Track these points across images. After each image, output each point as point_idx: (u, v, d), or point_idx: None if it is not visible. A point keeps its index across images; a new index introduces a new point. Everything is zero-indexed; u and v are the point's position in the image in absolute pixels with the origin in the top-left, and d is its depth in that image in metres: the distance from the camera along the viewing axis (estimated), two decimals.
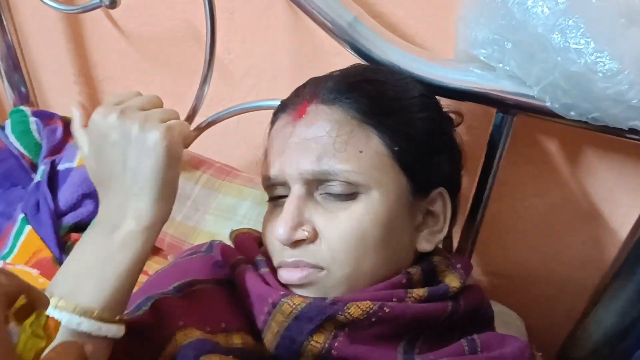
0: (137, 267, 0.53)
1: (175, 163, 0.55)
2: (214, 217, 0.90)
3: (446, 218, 0.64)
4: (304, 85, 0.66)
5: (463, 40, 0.73)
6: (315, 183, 0.59)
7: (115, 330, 0.51)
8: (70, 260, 0.54)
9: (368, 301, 0.55)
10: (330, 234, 0.58)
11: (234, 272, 0.63)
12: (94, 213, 0.92)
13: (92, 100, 1.21)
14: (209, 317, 0.59)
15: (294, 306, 0.55)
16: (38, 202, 0.91)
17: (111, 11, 1.04)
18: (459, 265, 0.64)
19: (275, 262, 0.61)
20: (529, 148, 0.87)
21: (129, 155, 0.53)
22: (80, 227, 0.91)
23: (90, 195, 0.93)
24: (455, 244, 0.88)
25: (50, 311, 0.48)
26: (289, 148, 0.60)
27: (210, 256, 0.69)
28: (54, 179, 0.95)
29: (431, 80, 0.73)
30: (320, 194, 0.59)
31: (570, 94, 0.62)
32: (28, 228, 0.88)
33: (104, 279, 0.51)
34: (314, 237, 0.58)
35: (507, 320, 0.92)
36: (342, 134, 0.58)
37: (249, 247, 0.66)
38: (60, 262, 0.83)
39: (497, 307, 0.77)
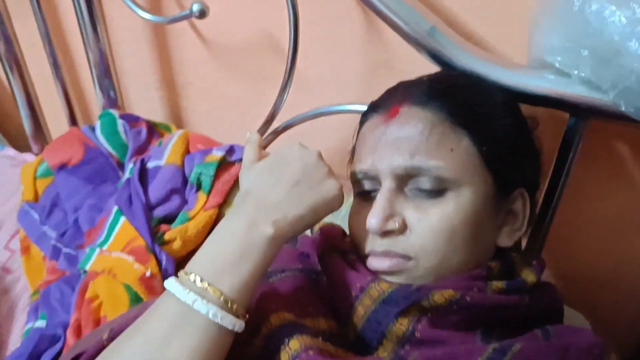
0: (263, 269, 0.58)
1: (331, 209, 0.63)
2: None
3: (525, 217, 0.68)
4: (395, 88, 0.70)
5: (537, 47, 0.76)
6: (406, 178, 0.63)
7: (242, 326, 0.56)
8: (210, 246, 0.58)
9: (451, 290, 0.58)
10: (420, 227, 0.61)
11: (322, 259, 0.68)
12: (181, 207, 0.99)
13: (171, 105, 1.29)
14: (296, 301, 0.64)
15: (381, 290, 0.59)
16: (130, 196, 0.99)
17: (195, 20, 1.12)
18: (534, 262, 0.68)
19: (364, 252, 0.65)
20: (600, 152, 0.89)
21: (307, 180, 0.62)
22: (169, 219, 0.99)
23: (178, 190, 1.00)
24: (523, 245, 0.91)
25: (190, 297, 0.53)
26: (382, 145, 0.64)
27: (295, 248, 0.74)
28: (143, 176, 1.03)
29: (507, 86, 0.76)
30: (410, 189, 0.63)
31: None
32: (123, 219, 0.95)
33: (240, 274, 0.56)
34: (403, 228, 0.62)
35: (574, 322, 0.94)
36: (434, 134, 0.62)
37: (335, 237, 0.71)
38: (152, 250, 0.90)
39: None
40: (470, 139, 0.63)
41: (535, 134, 0.74)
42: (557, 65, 0.74)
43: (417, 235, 0.61)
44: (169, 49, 1.21)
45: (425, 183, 0.62)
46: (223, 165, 1.00)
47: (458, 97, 0.66)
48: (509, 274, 0.67)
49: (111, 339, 0.58)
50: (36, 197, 1.12)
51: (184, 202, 1.00)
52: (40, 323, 0.92)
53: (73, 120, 1.37)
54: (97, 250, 0.94)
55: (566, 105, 0.76)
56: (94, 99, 1.28)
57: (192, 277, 0.55)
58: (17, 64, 1.30)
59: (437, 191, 0.62)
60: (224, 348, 0.55)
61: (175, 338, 0.52)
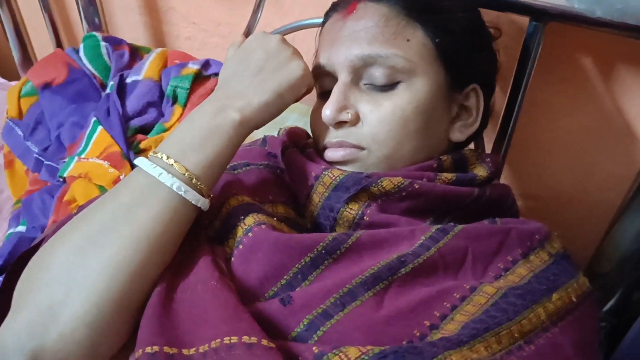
0: (228, 153, 0.59)
1: (297, 91, 0.64)
2: (265, 126, 0.98)
3: (479, 113, 0.70)
4: None
5: None
6: (361, 70, 0.65)
7: (206, 205, 0.58)
8: (179, 130, 0.60)
9: (400, 177, 0.61)
10: (373, 118, 0.63)
11: (283, 154, 0.71)
12: (157, 119, 1.02)
13: (154, 31, 1.31)
14: (258, 190, 0.67)
15: (333, 178, 0.62)
16: (109, 108, 1.02)
17: None
18: (488, 159, 0.70)
19: (321, 145, 0.68)
20: (561, 67, 0.90)
21: (270, 65, 0.63)
22: (146, 130, 1.02)
23: (154, 103, 1.03)
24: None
25: (156, 171, 0.55)
26: (339, 40, 0.66)
27: (264, 148, 0.77)
28: (122, 90, 1.06)
29: None
30: (365, 84, 0.65)
31: None
32: (100, 128, 0.98)
33: (205, 154, 0.57)
34: (356, 120, 0.64)
35: None
36: (389, 25, 0.64)
37: (299, 136, 0.73)
38: (127, 157, 0.93)
39: None
40: (424, 31, 0.65)
41: (496, 44, 0.75)
42: None
43: (370, 125, 0.63)
44: None
45: (380, 75, 0.64)
46: (199, 79, 1.02)
47: None
48: (462, 169, 0.69)
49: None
50: (20, 115, 1.15)
51: (161, 114, 1.03)
52: (21, 228, 0.96)
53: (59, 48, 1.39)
54: (76, 158, 0.97)
55: (524, 7, 0.77)
56: (80, 27, 1.29)
57: (159, 154, 0.56)
58: None
59: (390, 85, 0.64)
60: (186, 222, 0.57)
61: (140, 207, 0.54)
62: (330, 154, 0.66)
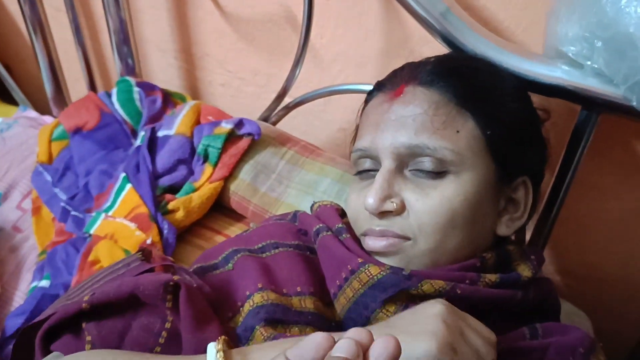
0: None
1: None
2: (296, 190, 0.96)
3: (527, 206, 0.67)
4: (402, 68, 0.69)
5: (553, 36, 0.74)
6: (407, 158, 0.62)
7: None
8: None
9: (442, 280, 0.58)
10: (419, 208, 0.61)
11: (316, 237, 0.68)
12: (187, 177, 1.00)
13: (188, 75, 1.30)
14: (286, 280, 0.64)
15: (371, 276, 0.59)
16: (138, 163, 1.00)
17: None
18: (532, 257, 0.66)
19: (361, 230, 0.65)
20: (613, 151, 0.87)
21: None
22: (174, 189, 0.99)
23: (185, 161, 1.01)
24: (527, 238, 0.89)
25: None
26: (384, 123, 0.63)
27: (294, 224, 0.74)
28: (153, 144, 1.04)
29: (518, 73, 0.74)
30: (410, 170, 0.62)
31: None
32: (129, 186, 0.96)
33: None
34: (401, 209, 0.61)
35: (574, 320, 0.92)
36: (439, 114, 0.61)
37: (331, 217, 0.70)
38: (155, 219, 0.91)
39: (565, 306, 0.77)
40: (475, 122, 0.62)
41: (545, 126, 0.72)
42: (571, 55, 0.71)
43: (416, 215, 0.61)
44: (188, 20, 1.21)
45: (427, 164, 0.61)
46: (231, 138, 0.99)
47: (464, 78, 0.65)
48: (505, 266, 0.66)
49: (91, 303, 0.58)
50: (50, 159, 1.14)
51: (191, 172, 1.00)
52: (45, 283, 0.95)
53: (92, 86, 1.38)
54: (103, 215, 0.96)
55: (578, 97, 0.74)
56: (114, 66, 1.28)
57: None
58: (41, 28, 1.31)
59: (438, 173, 0.61)
60: None
61: None
62: (372, 243, 0.63)
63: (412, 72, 0.66)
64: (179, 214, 0.94)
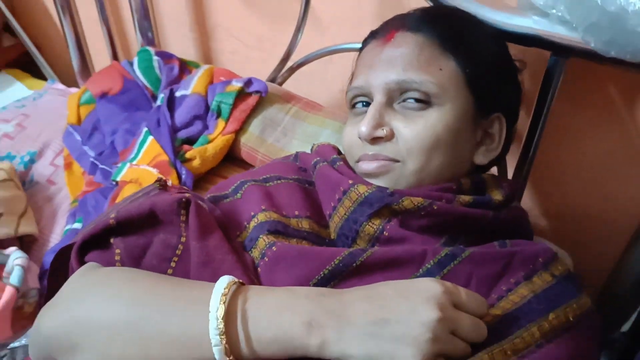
0: None
1: None
2: (298, 141, 1.07)
3: (501, 139, 0.76)
4: (393, 18, 0.79)
5: None
6: (396, 93, 0.70)
7: None
8: (270, 306, 0.54)
9: (420, 197, 0.66)
10: (407, 134, 0.69)
11: (314, 169, 0.76)
12: (202, 131, 1.11)
13: (202, 45, 1.41)
14: (286, 204, 0.73)
15: (359, 194, 0.68)
16: (159, 120, 1.12)
17: None
18: (504, 184, 0.75)
19: (355, 158, 0.73)
20: (586, 94, 0.95)
21: (396, 329, 0.51)
22: (191, 141, 1.11)
23: (200, 116, 1.12)
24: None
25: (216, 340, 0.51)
26: (377, 64, 0.72)
27: (295, 163, 0.84)
28: (172, 103, 1.15)
29: (494, 24, 0.83)
30: (399, 104, 0.71)
31: (608, 32, 0.72)
32: (150, 138, 1.08)
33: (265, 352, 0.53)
34: (391, 136, 0.69)
35: None
36: (425, 54, 0.70)
37: (328, 151, 0.79)
38: (174, 165, 1.02)
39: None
40: (456, 62, 0.71)
41: (521, 74, 0.81)
42: (539, 6, 0.80)
43: (404, 140, 0.69)
44: None
45: (413, 96, 0.69)
46: (241, 95, 1.10)
47: (448, 24, 0.74)
48: (480, 191, 0.74)
49: (117, 219, 0.64)
50: (79, 121, 1.26)
51: (205, 127, 1.12)
52: (77, 225, 1.06)
53: (115, 58, 1.50)
54: (128, 164, 1.07)
55: (545, 43, 0.82)
56: (134, 39, 1.40)
57: (239, 318, 0.53)
58: (69, 8, 1.43)
59: (424, 103, 0.69)
60: None
61: (170, 351, 0.54)
62: (365, 166, 0.71)
63: (401, 20, 0.76)
64: (196, 162, 1.05)
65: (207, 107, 1.13)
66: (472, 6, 0.85)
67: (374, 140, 0.70)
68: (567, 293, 0.61)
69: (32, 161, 1.23)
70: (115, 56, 1.49)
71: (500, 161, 0.88)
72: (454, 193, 0.70)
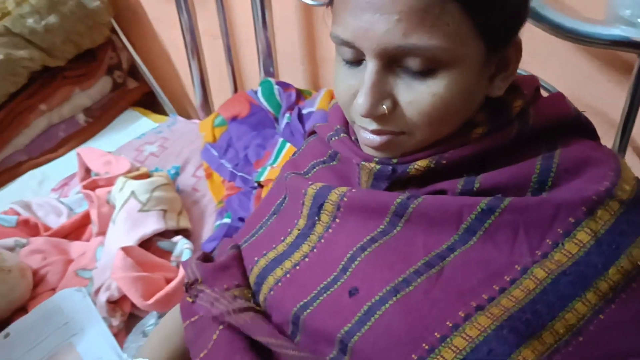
0: None
1: None
2: None
3: (517, 61, 0.62)
4: None
5: (612, 4, 1.01)
6: (395, 57, 0.56)
7: None
8: None
9: (425, 159, 0.60)
10: (412, 109, 0.57)
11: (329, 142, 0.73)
12: None
13: (313, 76, 1.63)
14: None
15: (369, 169, 0.64)
16: (291, 131, 1.33)
17: None
18: (521, 85, 0.64)
19: (352, 120, 0.63)
20: None
21: None
22: None
23: None
24: None
25: None
26: (366, 13, 0.54)
27: (323, 145, 0.77)
28: (300, 119, 1.37)
29: (586, 33, 1.01)
30: (399, 67, 0.56)
31: None
32: (288, 145, 1.29)
33: None
34: (393, 108, 0.58)
35: None
36: (429, 10, 0.53)
37: (335, 117, 0.73)
38: None
39: None
40: (463, 9, 0.54)
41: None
42: (626, 17, 0.98)
43: (410, 114, 0.58)
44: (313, 30, 1.55)
45: (417, 64, 0.55)
46: None
47: None
48: (499, 115, 0.63)
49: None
50: (214, 140, 1.49)
51: None
52: (227, 220, 1.26)
53: (235, 91, 1.74)
54: (269, 167, 1.28)
55: (633, 45, 1.00)
56: (257, 72, 1.63)
57: None
58: (196, 51, 1.69)
59: (429, 70, 0.56)
60: None
61: None
62: (368, 138, 0.61)
63: None
64: None
65: None
66: (566, 22, 1.04)
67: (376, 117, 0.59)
68: (637, 223, 0.55)
69: (177, 174, 1.46)
70: (235, 89, 1.73)
71: None
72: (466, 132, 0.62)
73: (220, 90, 1.79)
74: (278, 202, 0.77)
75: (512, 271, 0.55)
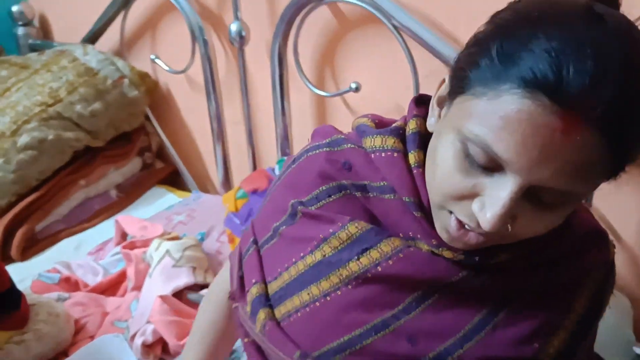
0: None
1: None
2: None
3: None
4: (598, 83, 0.49)
5: None
6: (539, 187, 0.54)
7: None
8: None
9: (509, 254, 0.66)
10: (523, 228, 0.57)
11: (370, 197, 0.71)
12: None
13: None
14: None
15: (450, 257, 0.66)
16: None
17: (347, 96, 1.68)
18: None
19: (454, 211, 0.59)
20: None
21: None
22: None
23: None
24: None
25: None
26: (534, 148, 0.51)
27: (333, 153, 0.77)
28: None
29: None
30: (530, 192, 0.55)
31: None
32: None
33: None
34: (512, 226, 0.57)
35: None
36: (597, 167, 0.53)
37: (397, 173, 0.68)
38: None
39: None
40: (614, 156, 0.52)
41: None
42: None
43: (518, 232, 0.57)
44: (325, 117, 1.78)
45: (552, 198, 0.55)
46: None
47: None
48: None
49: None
50: (236, 210, 1.68)
51: None
52: None
53: (254, 168, 1.95)
54: None
55: None
56: (275, 151, 1.84)
57: None
58: (221, 135, 1.91)
59: (558, 203, 0.56)
60: None
61: None
62: (467, 237, 0.59)
63: (592, 104, 0.49)
64: None
65: None
66: None
67: None
68: None
69: (202, 239, 1.63)
70: (254, 167, 1.95)
71: None
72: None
73: (240, 169, 2.00)
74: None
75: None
